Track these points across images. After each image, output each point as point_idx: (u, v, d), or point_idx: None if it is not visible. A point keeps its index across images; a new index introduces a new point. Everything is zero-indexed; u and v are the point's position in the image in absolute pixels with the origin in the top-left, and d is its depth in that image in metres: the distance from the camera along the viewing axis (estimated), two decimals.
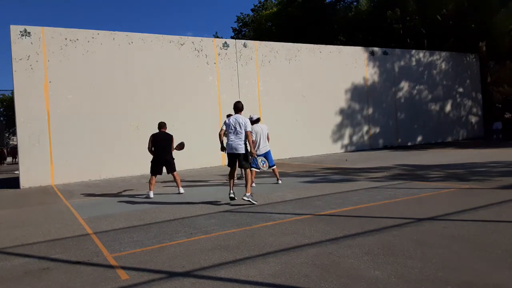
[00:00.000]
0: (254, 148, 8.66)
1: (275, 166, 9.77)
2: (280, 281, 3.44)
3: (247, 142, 7.12)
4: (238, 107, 7.28)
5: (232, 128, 7.16)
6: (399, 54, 21.95)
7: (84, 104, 13.78)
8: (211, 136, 15.73)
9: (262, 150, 9.30)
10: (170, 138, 8.96)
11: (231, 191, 7.17)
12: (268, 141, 9.55)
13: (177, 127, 15.26)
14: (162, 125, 9.09)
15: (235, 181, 7.76)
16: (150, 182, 8.89)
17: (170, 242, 4.89)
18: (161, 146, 8.85)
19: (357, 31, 30.73)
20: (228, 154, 7.32)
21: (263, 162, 7.86)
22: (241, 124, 7.11)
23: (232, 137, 7.16)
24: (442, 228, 4.79)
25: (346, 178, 10.03)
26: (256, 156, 7.95)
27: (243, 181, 8.44)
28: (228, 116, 7.68)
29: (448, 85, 23.64)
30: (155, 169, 8.85)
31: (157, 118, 14.79)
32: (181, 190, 9.04)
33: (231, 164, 7.33)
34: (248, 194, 7.04)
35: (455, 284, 3.17)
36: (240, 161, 7.23)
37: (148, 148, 8.81)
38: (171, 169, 8.97)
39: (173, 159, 9.04)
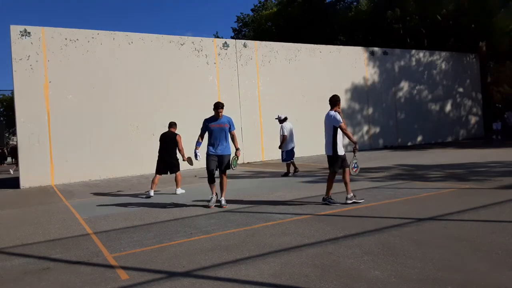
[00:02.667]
0: (288, 145, 10.86)
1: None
2: (280, 281, 3.44)
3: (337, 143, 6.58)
4: (334, 101, 6.68)
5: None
6: (399, 54, 21.95)
7: (84, 104, 13.78)
8: None
9: (290, 147, 11.00)
10: (173, 138, 8.91)
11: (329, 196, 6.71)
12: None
13: (176, 127, 15.27)
14: (171, 125, 9.19)
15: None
16: (153, 181, 8.94)
17: (170, 242, 4.89)
18: (163, 146, 8.91)
19: (357, 31, 30.74)
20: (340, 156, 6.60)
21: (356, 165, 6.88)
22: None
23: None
24: (442, 228, 4.79)
25: None
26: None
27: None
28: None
29: (448, 85, 23.64)
30: (158, 168, 8.92)
31: (157, 118, 14.89)
32: (178, 191, 8.98)
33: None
34: (350, 195, 6.61)
35: (455, 284, 3.17)
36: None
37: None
38: (171, 170, 8.95)
39: (176, 159, 8.97)
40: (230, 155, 7.11)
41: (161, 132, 9.43)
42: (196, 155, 7.15)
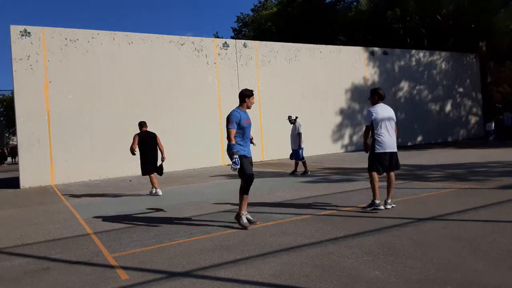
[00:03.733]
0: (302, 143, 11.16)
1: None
2: (280, 281, 3.44)
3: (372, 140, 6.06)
4: (381, 95, 6.20)
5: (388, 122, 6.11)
6: (399, 54, 21.95)
7: (84, 104, 13.78)
8: (211, 136, 15.75)
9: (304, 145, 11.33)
10: (154, 137, 9.00)
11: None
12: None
13: (177, 127, 15.28)
14: (144, 124, 9.13)
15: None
16: (152, 181, 8.93)
17: (170, 242, 4.89)
18: (148, 146, 8.91)
19: (357, 31, 30.73)
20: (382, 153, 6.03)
21: None
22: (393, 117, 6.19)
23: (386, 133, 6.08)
24: (442, 228, 4.79)
25: (346, 178, 10.03)
26: None
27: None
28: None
29: (448, 85, 23.63)
30: (148, 169, 8.91)
31: (157, 118, 14.89)
32: (160, 191, 9.01)
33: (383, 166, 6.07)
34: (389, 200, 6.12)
35: (455, 284, 3.17)
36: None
37: (133, 147, 8.71)
38: (156, 169, 9.03)
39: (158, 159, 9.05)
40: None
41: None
42: (237, 162, 5.18)
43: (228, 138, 5.28)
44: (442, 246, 4.10)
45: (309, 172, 11.29)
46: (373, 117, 6.03)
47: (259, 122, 17.18)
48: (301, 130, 11.23)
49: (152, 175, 8.94)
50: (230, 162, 5.23)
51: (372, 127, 6.05)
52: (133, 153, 8.73)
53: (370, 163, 6.10)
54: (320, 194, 7.80)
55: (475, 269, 3.45)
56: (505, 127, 23.06)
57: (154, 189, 8.99)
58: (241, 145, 5.35)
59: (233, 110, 5.40)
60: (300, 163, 11.41)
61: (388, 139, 6.03)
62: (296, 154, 11.27)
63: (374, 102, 6.20)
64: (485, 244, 4.08)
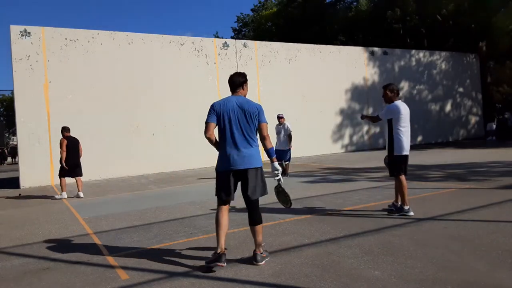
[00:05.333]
0: None
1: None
2: (280, 281, 3.44)
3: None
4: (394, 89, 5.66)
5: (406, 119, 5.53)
6: (399, 54, 21.95)
7: (84, 104, 13.78)
8: None
9: None
10: (78, 143, 9.45)
11: None
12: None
13: (177, 127, 15.28)
14: (68, 129, 9.49)
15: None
16: (62, 184, 9.34)
17: (170, 242, 4.89)
18: (75, 150, 9.32)
19: (357, 31, 30.73)
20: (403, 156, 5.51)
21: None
22: None
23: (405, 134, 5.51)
24: (442, 228, 4.79)
25: (346, 178, 10.03)
26: None
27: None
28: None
29: (448, 85, 23.64)
30: (67, 171, 9.24)
31: (157, 118, 14.91)
32: (81, 194, 9.36)
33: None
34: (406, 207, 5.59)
35: (455, 284, 3.17)
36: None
37: (65, 153, 9.11)
38: (80, 173, 9.46)
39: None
40: None
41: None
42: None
43: (268, 139, 4.14)
44: (442, 246, 4.10)
45: (288, 175, 10.90)
46: (400, 114, 5.37)
47: None
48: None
49: (64, 179, 9.35)
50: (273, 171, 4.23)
51: (391, 125, 5.42)
52: (65, 165, 9.14)
53: (396, 167, 5.49)
54: (320, 194, 7.80)
55: (475, 269, 3.45)
56: (509, 127, 23.09)
57: (63, 192, 9.38)
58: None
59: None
60: (285, 163, 10.99)
61: (409, 140, 5.53)
62: (288, 155, 10.92)
63: (393, 99, 5.53)
64: (485, 244, 4.08)
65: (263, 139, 4.08)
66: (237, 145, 3.86)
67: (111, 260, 4.33)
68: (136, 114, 14.59)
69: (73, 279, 3.82)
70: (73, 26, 60.01)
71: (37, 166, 12.94)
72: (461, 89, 24.19)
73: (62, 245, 5.12)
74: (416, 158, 14.09)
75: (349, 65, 19.92)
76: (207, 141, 3.97)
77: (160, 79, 15.18)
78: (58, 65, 13.49)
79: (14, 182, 13.61)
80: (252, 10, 42.25)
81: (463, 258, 3.74)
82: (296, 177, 10.75)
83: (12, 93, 16.51)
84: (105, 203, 8.43)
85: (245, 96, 4.09)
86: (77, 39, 13.87)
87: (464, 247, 4.05)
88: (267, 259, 3.93)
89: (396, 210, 5.65)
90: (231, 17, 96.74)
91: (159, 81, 15.15)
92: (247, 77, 4.20)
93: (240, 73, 4.11)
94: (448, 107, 23.57)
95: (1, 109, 57.44)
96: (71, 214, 7.32)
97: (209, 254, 4.30)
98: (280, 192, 4.42)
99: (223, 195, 3.89)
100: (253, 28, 40.32)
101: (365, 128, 20.42)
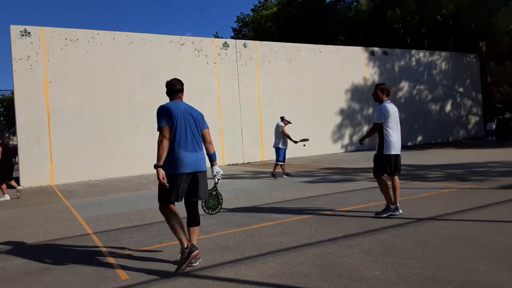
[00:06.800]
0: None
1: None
2: (280, 281, 3.44)
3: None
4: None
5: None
6: (399, 54, 21.95)
7: (84, 104, 13.78)
8: (211, 135, 15.72)
9: None
10: (11, 148, 10.15)
11: None
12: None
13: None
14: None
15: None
16: (1, 188, 9.76)
17: (170, 242, 4.89)
18: (11, 155, 9.94)
19: (357, 31, 30.75)
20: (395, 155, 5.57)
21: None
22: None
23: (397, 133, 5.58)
24: (442, 228, 4.79)
25: (346, 178, 10.03)
26: None
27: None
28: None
29: (448, 85, 23.64)
30: (7, 176, 9.87)
31: None
32: (7, 197, 9.78)
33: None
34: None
35: (455, 284, 3.17)
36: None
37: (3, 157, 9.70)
38: (11, 177, 10.11)
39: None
40: None
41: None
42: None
43: (212, 143, 4.30)
44: (442, 246, 4.10)
45: (277, 177, 10.73)
46: (388, 114, 5.44)
47: (259, 122, 17.19)
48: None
49: (12, 181, 9.99)
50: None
51: (381, 126, 5.48)
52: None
53: (379, 166, 5.59)
54: (320, 194, 7.80)
55: (475, 269, 3.45)
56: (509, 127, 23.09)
57: (4, 194, 9.83)
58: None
59: None
60: (279, 164, 10.85)
61: (399, 140, 5.53)
62: (283, 154, 10.77)
63: (383, 99, 5.64)
64: (485, 244, 4.08)
65: (208, 143, 4.19)
66: (190, 149, 3.92)
67: (111, 260, 4.33)
68: (136, 114, 14.58)
69: (73, 279, 3.82)
70: (73, 26, 60.07)
71: (37, 166, 12.94)
72: (461, 89, 24.19)
73: (62, 245, 5.12)
74: (416, 158, 14.09)
75: (349, 65, 19.91)
76: (163, 145, 3.75)
77: (160, 79, 15.13)
78: (58, 65, 13.49)
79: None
80: (252, 10, 42.27)
81: (463, 258, 3.74)
82: (296, 177, 10.75)
83: (12, 93, 16.51)
84: (105, 203, 8.43)
85: None
86: (77, 39, 13.87)
87: (464, 247, 4.05)
88: (200, 260, 4.03)
89: (382, 211, 5.54)
90: (231, 17, 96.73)
91: (159, 81, 15.11)
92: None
93: (179, 80, 4.25)
94: (448, 107, 23.57)
95: (1, 109, 57.40)
96: (71, 214, 7.32)
97: (209, 254, 4.31)
98: (215, 195, 4.40)
99: (174, 198, 3.88)
100: (253, 28, 40.31)
101: (365, 128, 20.42)
